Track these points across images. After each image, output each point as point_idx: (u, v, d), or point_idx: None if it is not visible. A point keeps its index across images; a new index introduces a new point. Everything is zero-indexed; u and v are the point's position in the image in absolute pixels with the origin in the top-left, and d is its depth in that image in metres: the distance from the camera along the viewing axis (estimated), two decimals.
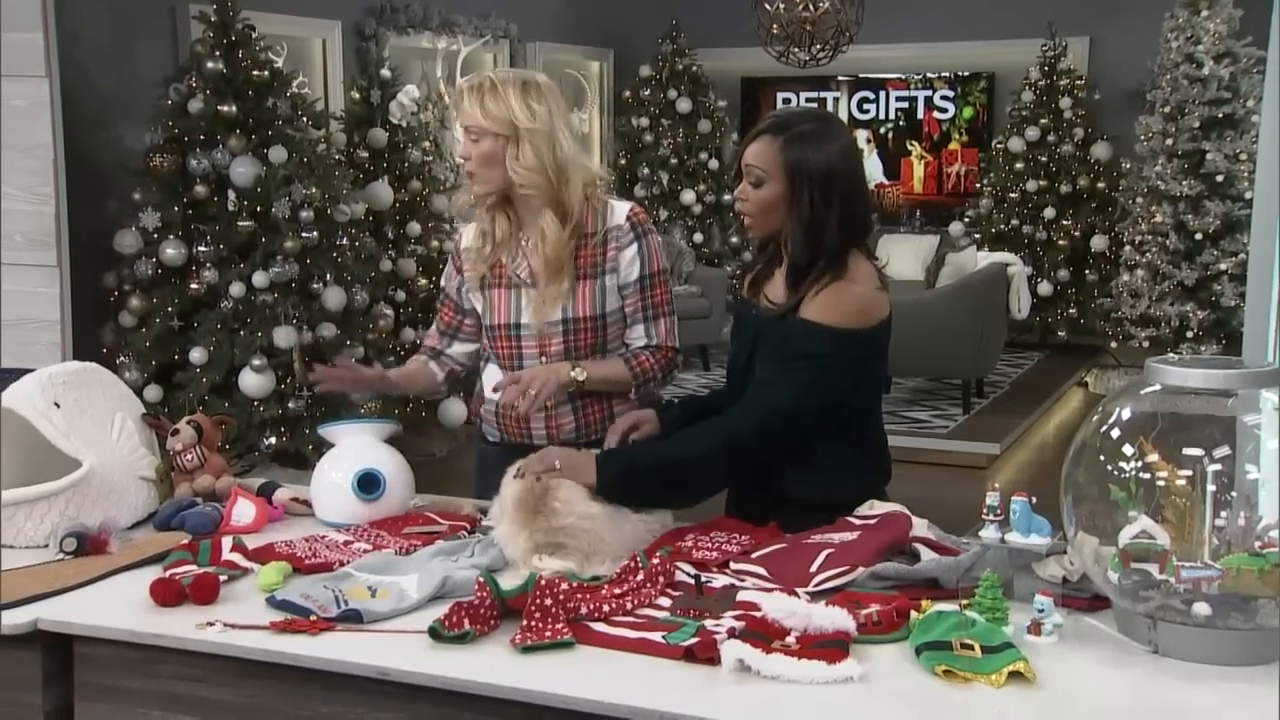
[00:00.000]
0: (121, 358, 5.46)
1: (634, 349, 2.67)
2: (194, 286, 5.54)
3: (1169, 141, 8.12)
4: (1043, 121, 9.32)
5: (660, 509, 2.34)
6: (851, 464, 2.44)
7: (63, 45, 3.78)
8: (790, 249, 2.35)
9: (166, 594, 1.98)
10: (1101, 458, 1.86)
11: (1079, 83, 9.36)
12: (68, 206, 3.78)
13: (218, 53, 5.65)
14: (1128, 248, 8.52)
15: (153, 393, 5.43)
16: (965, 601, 1.86)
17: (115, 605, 1.99)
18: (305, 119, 5.92)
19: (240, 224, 5.57)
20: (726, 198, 10.17)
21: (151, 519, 2.42)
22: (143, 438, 2.50)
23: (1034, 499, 2.02)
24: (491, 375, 2.71)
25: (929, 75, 10.35)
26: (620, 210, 2.65)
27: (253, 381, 5.43)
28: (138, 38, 6.15)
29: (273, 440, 5.58)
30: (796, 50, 8.05)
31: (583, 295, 2.61)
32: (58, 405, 2.33)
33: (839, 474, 2.40)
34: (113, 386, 2.54)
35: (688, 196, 10.11)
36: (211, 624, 1.90)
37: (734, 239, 10.28)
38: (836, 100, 10.69)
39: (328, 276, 5.75)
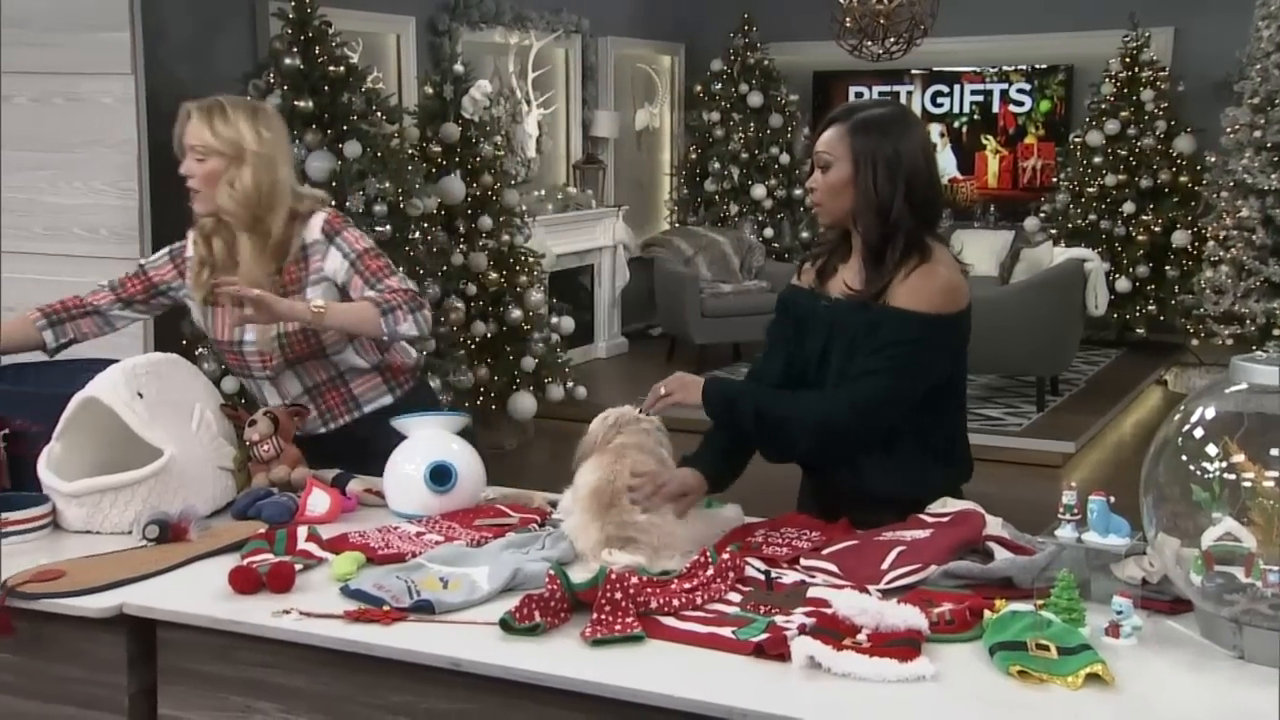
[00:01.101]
0: (200, 349, 5.55)
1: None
2: None
3: (1257, 134, 7.90)
4: (1123, 114, 9.13)
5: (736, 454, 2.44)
6: (932, 458, 2.41)
7: (147, 44, 3.86)
8: (862, 230, 2.36)
9: (244, 582, 2.01)
10: (1184, 457, 1.83)
11: (1162, 74, 9.16)
12: (150, 200, 3.85)
13: (295, 49, 5.72)
14: (1211, 243, 8.32)
15: (230, 384, 5.51)
16: (1040, 602, 1.84)
17: (195, 592, 2.03)
18: (379, 114, 5.97)
19: None
20: (797, 192, 10.12)
21: (229, 508, 2.46)
22: (221, 428, 2.54)
23: (1112, 498, 1.99)
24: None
25: (1005, 68, 10.20)
26: (315, 223, 2.77)
27: None
28: (218, 35, 6.25)
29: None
30: (870, 44, 7.98)
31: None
32: (141, 395, 2.37)
33: (919, 468, 2.38)
34: (193, 377, 2.58)
35: (758, 191, 10.07)
36: (287, 612, 1.93)
37: (804, 234, 10.21)
38: (910, 94, 10.57)
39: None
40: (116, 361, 2.47)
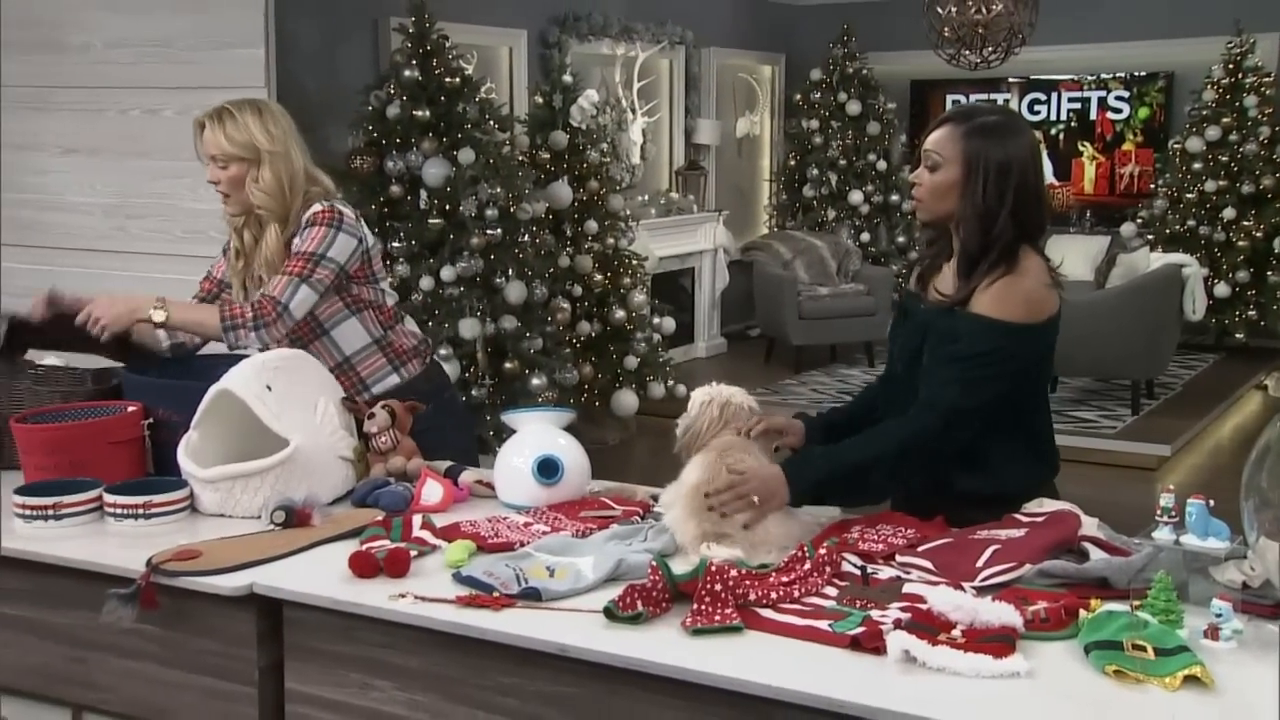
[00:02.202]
0: None
1: (236, 300, 2.85)
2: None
3: None
4: (1224, 120, 8.85)
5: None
6: (1019, 458, 2.36)
7: (279, 59, 3.95)
8: (963, 236, 2.30)
9: (363, 566, 2.04)
10: None
11: (1266, 79, 8.85)
12: None
13: (414, 61, 5.82)
14: None
15: None
16: (1137, 603, 1.79)
17: (318, 574, 2.07)
18: (492, 122, 6.05)
19: (431, 221, 5.73)
20: (894, 198, 10.01)
21: (349, 496, 2.50)
22: (342, 420, 2.58)
23: (1211, 502, 1.93)
24: None
25: (1103, 76, 9.96)
26: (313, 208, 2.80)
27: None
28: (343, 49, 6.38)
29: (473, 427, 5.72)
30: (968, 53, 7.85)
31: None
32: (270, 388, 2.42)
33: (1007, 468, 2.34)
34: (317, 372, 2.63)
35: (855, 197, 9.98)
36: (403, 596, 1.95)
37: (900, 238, 10.10)
38: (1007, 101, 10.37)
39: (510, 271, 5.87)
40: (248, 357, 2.53)
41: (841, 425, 2.49)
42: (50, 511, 2.30)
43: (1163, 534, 1.93)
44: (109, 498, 2.33)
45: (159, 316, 2.69)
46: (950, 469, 2.33)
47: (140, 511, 2.31)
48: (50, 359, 2.85)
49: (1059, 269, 2.36)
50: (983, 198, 2.25)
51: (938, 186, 2.31)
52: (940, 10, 7.75)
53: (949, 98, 10.45)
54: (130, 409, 2.55)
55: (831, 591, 1.94)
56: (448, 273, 5.67)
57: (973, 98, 10.35)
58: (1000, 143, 2.26)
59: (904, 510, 2.35)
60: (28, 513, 2.31)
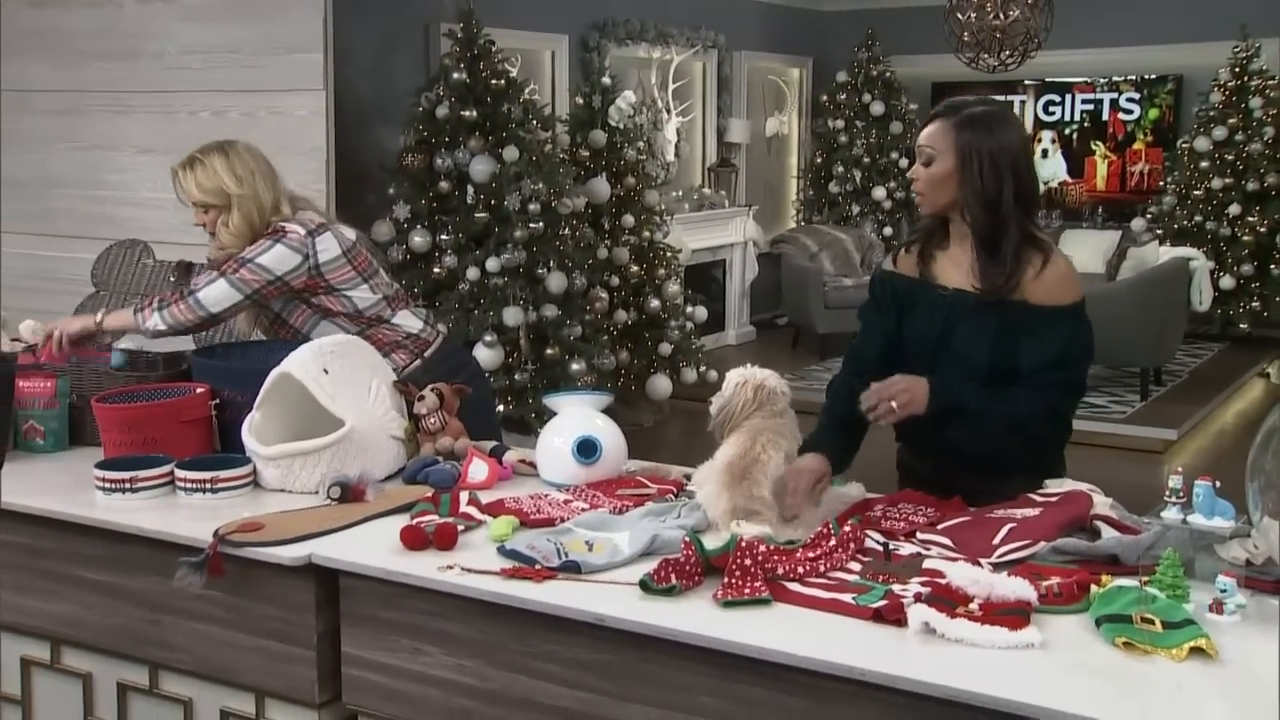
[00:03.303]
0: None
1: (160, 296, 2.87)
2: (436, 270, 5.74)
3: None
4: (1231, 121, 8.72)
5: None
6: (1059, 431, 2.40)
7: (336, 63, 3.97)
8: (970, 221, 2.28)
9: (414, 539, 2.05)
10: None
11: (1271, 82, 8.72)
12: (335, 200, 3.97)
13: (462, 65, 5.82)
14: None
15: None
16: (1146, 578, 1.77)
17: (372, 546, 2.08)
18: (535, 122, 6.04)
19: (477, 215, 5.73)
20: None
21: (400, 473, 2.51)
22: (393, 402, 2.58)
23: (1218, 483, 1.90)
24: None
25: (1115, 78, 9.83)
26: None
27: (485, 355, 5.59)
28: (395, 54, 6.40)
29: (501, 408, 5.73)
30: (986, 56, 7.77)
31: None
32: (326, 371, 2.43)
33: (1050, 440, 2.39)
34: (370, 356, 2.63)
35: (879, 193, 9.92)
36: (451, 567, 1.96)
37: None
38: (1023, 103, 10.27)
39: (551, 263, 5.87)
40: (306, 342, 2.54)
41: (849, 420, 2.38)
42: (127, 485, 2.33)
43: (1171, 513, 1.91)
44: (179, 473, 2.35)
45: (101, 320, 2.84)
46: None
47: (208, 486, 2.33)
48: (126, 342, 2.88)
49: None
50: (982, 183, 2.24)
51: (934, 178, 2.29)
52: (960, 16, 7.67)
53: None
54: (199, 390, 2.57)
55: (855, 566, 1.93)
56: (493, 264, 5.68)
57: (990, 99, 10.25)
58: (989, 131, 2.26)
59: (911, 471, 2.37)
60: (107, 485, 2.33)
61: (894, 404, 2.19)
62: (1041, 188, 2.41)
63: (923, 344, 2.36)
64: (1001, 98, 10.18)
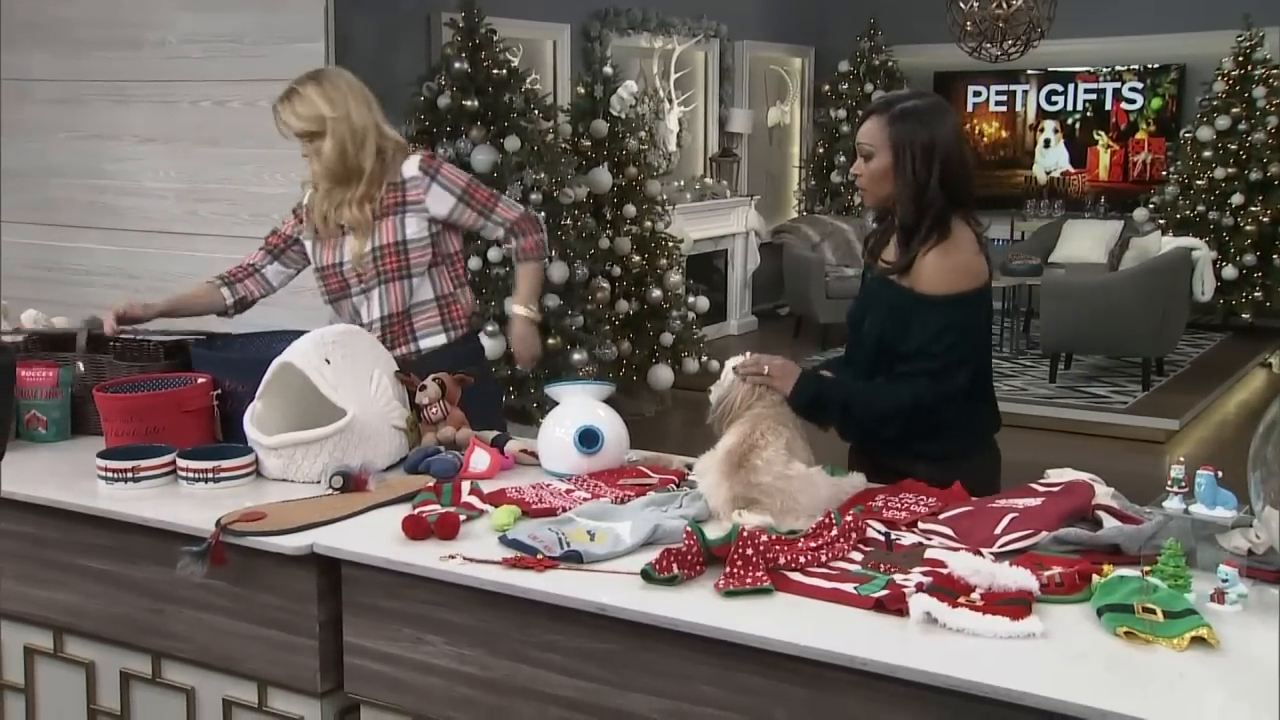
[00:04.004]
0: None
1: (512, 247, 3.05)
2: None
3: None
4: (1234, 110, 8.71)
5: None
6: (968, 419, 2.42)
7: (337, 52, 3.95)
8: (899, 213, 2.37)
9: (415, 529, 2.05)
10: None
11: (1275, 72, 8.70)
12: None
13: (464, 54, 5.81)
14: None
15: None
16: (1148, 568, 1.76)
17: (374, 536, 2.08)
18: (536, 112, 6.03)
19: None
20: None
21: (402, 463, 2.51)
22: (395, 392, 2.58)
23: (1220, 473, 1.90)
24: (332, 315, 3.01)
25: (1118, 68, 9.81)
26: (411, 163, 2.89)
27: (487, 345, 5.58)
28: (397, 44, 6.38)
29: (503, 398, 5.73)
30: (989, 45, 7.76)
31: (385, 228, 2.86)
32: (328, 362, 2.43)
33: (958, 428, 2.40)
34: (372, 347, 2.63)
35: None
36: (453, 557, 1.96)
37: None
38: (1026, 93, 10.25)
39: (553, 253, 5.86)
40: (307, 332, 2.54)
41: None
42: (129, 474, 2.33)
43: (1173, 503, 1.91)
44: (182, 462, 2.35)
45: (534, 314, 3.08)
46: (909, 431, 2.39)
47: (210, 475, 2.33)
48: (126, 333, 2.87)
49: (986, 231, 2.45)
50: (912, 175, 2.31)
51: (874, 173, 2.37)
52: (963, 5, 7.66)
53: (971, 88, 10.34)
54: (200, 380, 2.57)
55: (857, 556, 1.93)
56: (494, 254, 5.67)
57: (993, 88, 10.25)
58: (921, 124, 2.32)
59: (860, 462, 2.42)
60: (109, 475, 2.34)
61: (766, 369, 2.29)
62: (974, 179, 2.45)
63: (855, 328, 2.50)
64: (1004, 87, 10.19)
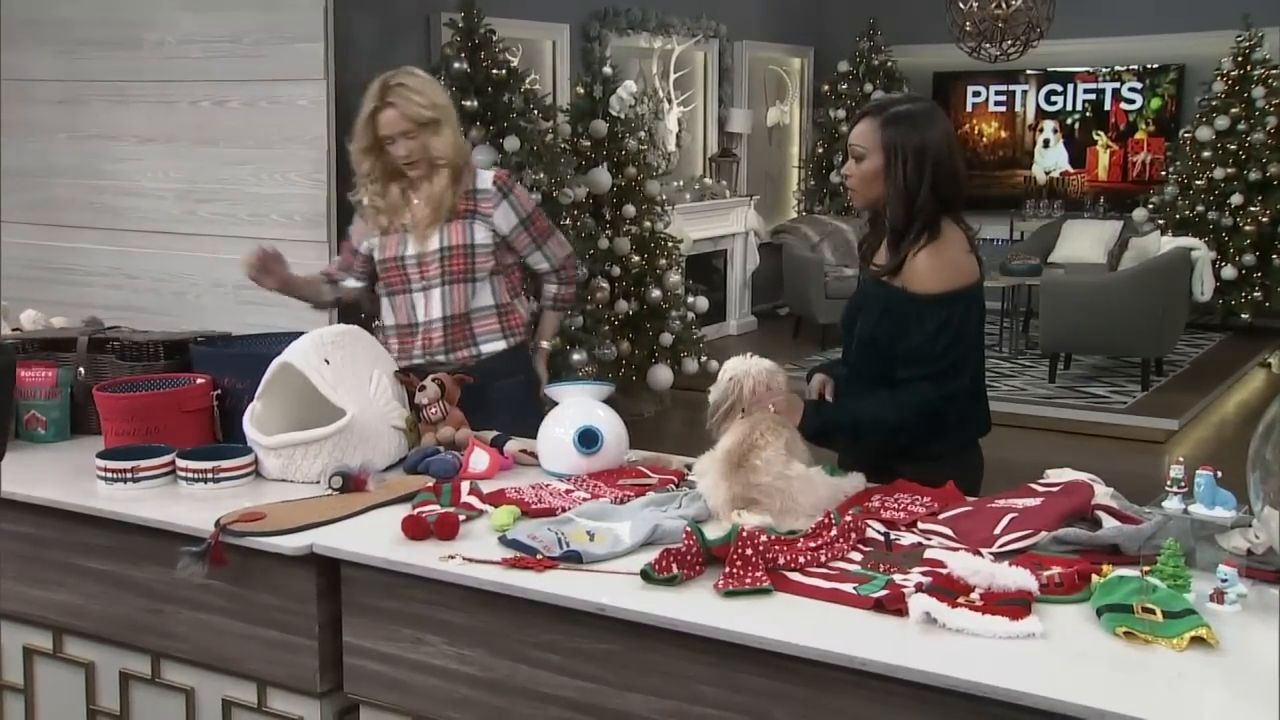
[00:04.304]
0: (377, 322, 5.68)
1: (548, 292, 3.15)
2: None
3: None
4: (1233, 111, 8.71)
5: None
6: (960, 419, 2.41)
7: (337, 53, 3.95)
8: (889, 216, 2.38)
9: (415, 529, 2.05)
10: None
11: (1274, 72, 8.71)
12: (336, 190, 3.96)
13: (463, 54, 5.81)
14: None
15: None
16: (1147, 568, 1.76)
17: (373, 536, 2.07)
18: (536, 112, 6.03)
19: None
20: None
21: (401, 463, 2.50)
22: (395, 392, 2.58)
23: (1219, 473, 1.90)
24: (386, 308, 3.07)
25: (1117, 68, 9.81)
26: (486, 175, 2.99)
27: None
28: (397, 43, 6.38)
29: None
30: (988, 45, 7.76)
31: (455, 230, 2.93)
32: (328, 362, 2.43)
33: (950, 429, 2.40)
34: (371, 347, 2.63)
35: None
36: (452, 557, 1.96)
37: None
38: (1025, 93, 10.25)
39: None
40: (305, 333, 2.54)
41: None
42: (128, 474, 2.33)
43: (1172, 503, 1.91)
44: (181, 462, 2.35)
45: (549, 345, 3.18)
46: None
47: (209, 475, 2.33)
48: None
49: (978, 233, 2.47)
50: (903, 179, 2.32)
51: (864, 175, 2.38)
52: (962, 5, 7.66)
53: (970, 89, 10.34)
54: (200, 380, 2.57)
55: (856, 556, 1.93)
56: None
57: (993, 89, 10.25)
58: (914, 128, 2.33)
59: (852, 466, 2.39)
60: (109, 475, 2.33)
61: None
62: (966, 183, 2.46)
63: (848, 329, 2.51)
64: (1003, 87, 10.19)
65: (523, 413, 2.81)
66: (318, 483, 2.35)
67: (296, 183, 3.99)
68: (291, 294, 3.12)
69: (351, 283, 3.15)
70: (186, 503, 2.28)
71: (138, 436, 2.45)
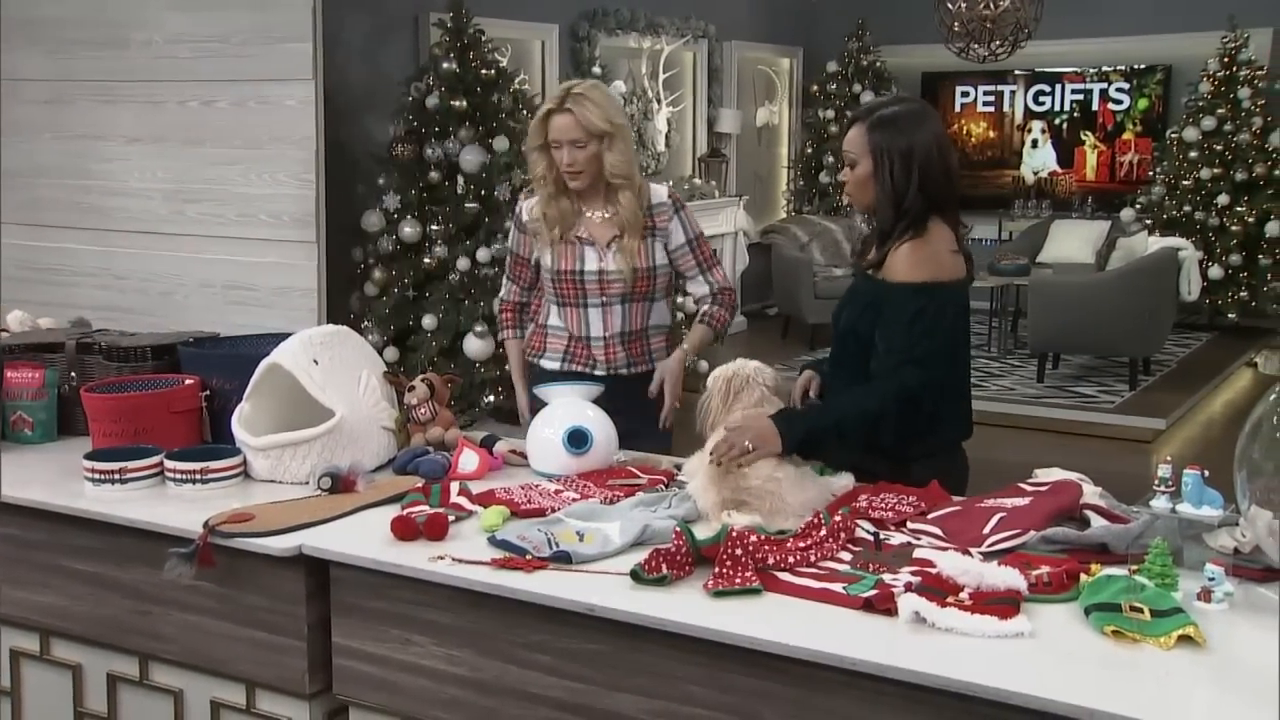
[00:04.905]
0: (365, 322, 5.69)
1: (706, 309, 3.07)
2: (427, 261, 5.72)
3: None
4: (1220, 111, 8.75)
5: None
6: (944, 421, 2.42)
7: (325, 52, 3.94)
8: (878, 217, 2.40)
9: (404, 530, 2.05)
10: (1279, 435, 1.74)
11: (1260, 73, 8.75)
12: (325, 190, 3.95)
13: (452, 55, 5.80)
14: None
15: (390, 354, 5.64)
16: (1135, 567, 1.77)
17: (362, 537, 2.07)
18: (525, 112, 6.02)
19: (467, 206, 5.72)
20: None
21: (391, 464, 2.50)
22: (384, 393, 2.57)
23: (1206, 472, 1.91)
24: (554, 313, 3.01)
25: (1105, 69, 9.84)
26: (660, 191, 2.98)
27: (475, 346, 5.59)
28: (385, 43, 6.37)
29: (491, 398, 5.73)
30: (976, 46, 7.78)
31: (640, 251, 2.91)
32: (316, 362, 2.42)
33: (934, 429, 2.40)
34: (360, 347, 2.62)
35: None
36: (441, 558, 1.96)
37: None
38: (1013, 93, 10.28)
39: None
40: (293, 334, 2.53)
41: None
42: (116, 475, 2.32)
43: (1160, 502, 1.92)
44: (169, 463, 2.35)
45: (690, 354, 3.06)
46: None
47: (198, 476, 2.32)
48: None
49: (969, 233, 2.47)
50: (891, 181, 2.34)
51: (858, 180, 2.40)
52: (950, 5, 7.68)
53: (959, 89, 10.37)
54: (188, 381, 2.57)
55: (846, 556, 1.94)
56: (483, 254, 5.67)
57: (981, 89, 10.27)
58: (900, 131, 2.35)
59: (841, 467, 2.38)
60: (96, 476, 2.33)
61: (747, 444, 2.19)
62: (958, 184, 2.47)
63: (835, 322, 2.53)
64: (991, 88, 10.22)
65: (645, 430, 2.81)
66: (306, 483, 2.34)
67: (285, 183, 3.97)
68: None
69: (531, 295, 3.13)
70: (174, 504, 2.27)
71: (126, 438, 2.45)
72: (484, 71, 5.82)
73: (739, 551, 1.85)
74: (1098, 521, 1.98)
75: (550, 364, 3.01)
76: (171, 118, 4.19)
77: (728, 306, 3.07)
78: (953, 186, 2.41)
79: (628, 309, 2.95)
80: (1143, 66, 9.69)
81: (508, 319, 3.15)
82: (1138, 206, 9.13)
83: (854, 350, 2.42)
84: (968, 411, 2.52)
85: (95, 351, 2.76)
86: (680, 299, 7.21)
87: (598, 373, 2.94)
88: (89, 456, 2.36)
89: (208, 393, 2.55)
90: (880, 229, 2.40)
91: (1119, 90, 9.85)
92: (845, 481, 2.29)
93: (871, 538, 2.01)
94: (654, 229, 2.94)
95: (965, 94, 10.40)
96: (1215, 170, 8.76)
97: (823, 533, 1.97)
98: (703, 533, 1.95)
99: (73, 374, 2.73)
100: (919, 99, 2.63)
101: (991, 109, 10.41)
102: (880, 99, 2.51)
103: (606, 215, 2.92)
